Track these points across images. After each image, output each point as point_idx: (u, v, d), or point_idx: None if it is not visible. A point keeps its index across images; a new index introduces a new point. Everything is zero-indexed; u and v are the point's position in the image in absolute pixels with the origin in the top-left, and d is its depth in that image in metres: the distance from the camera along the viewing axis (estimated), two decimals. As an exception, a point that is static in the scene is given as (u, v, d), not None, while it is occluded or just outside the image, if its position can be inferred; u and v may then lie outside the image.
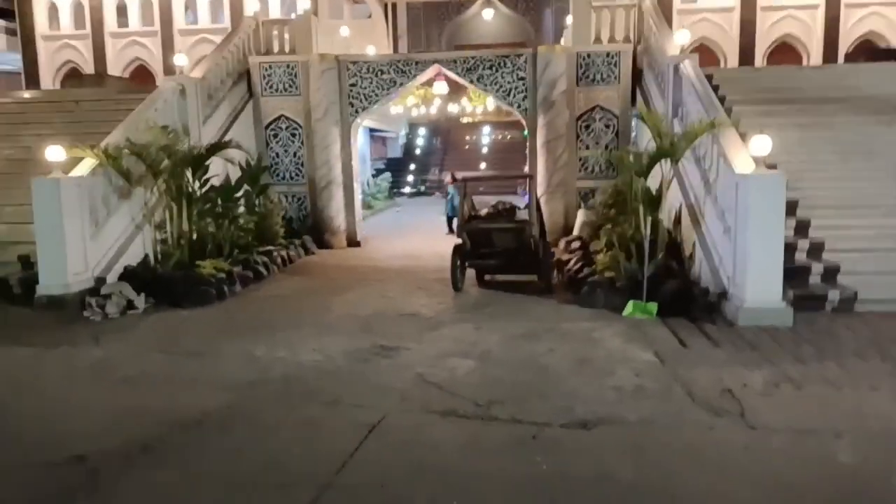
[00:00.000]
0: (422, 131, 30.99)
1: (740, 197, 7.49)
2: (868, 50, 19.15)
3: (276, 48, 14.24)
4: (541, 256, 9.35)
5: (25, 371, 6.44)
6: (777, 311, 7.25)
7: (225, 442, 4.78)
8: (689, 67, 10.22)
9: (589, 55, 13.00)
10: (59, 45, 26.01)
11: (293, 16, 14.57)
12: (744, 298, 7.34)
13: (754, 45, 23.43)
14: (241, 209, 11.87)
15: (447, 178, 18.45)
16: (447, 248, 13.55)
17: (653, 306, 7.96)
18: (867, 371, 5.89)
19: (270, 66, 13.59)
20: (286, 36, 14.18)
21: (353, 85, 13.52)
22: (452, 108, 25.15)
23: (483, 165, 29.02)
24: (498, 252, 9.41)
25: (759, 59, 23.09)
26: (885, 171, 9.46)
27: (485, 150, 30.82)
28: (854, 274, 8.00)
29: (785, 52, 24.01)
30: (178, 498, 4.03)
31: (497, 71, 13.24)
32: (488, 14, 28.38)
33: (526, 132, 14.07)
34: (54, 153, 8.69)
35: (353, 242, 14.11)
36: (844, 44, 23.07)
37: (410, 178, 27.86)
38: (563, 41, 18.35)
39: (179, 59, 12.15)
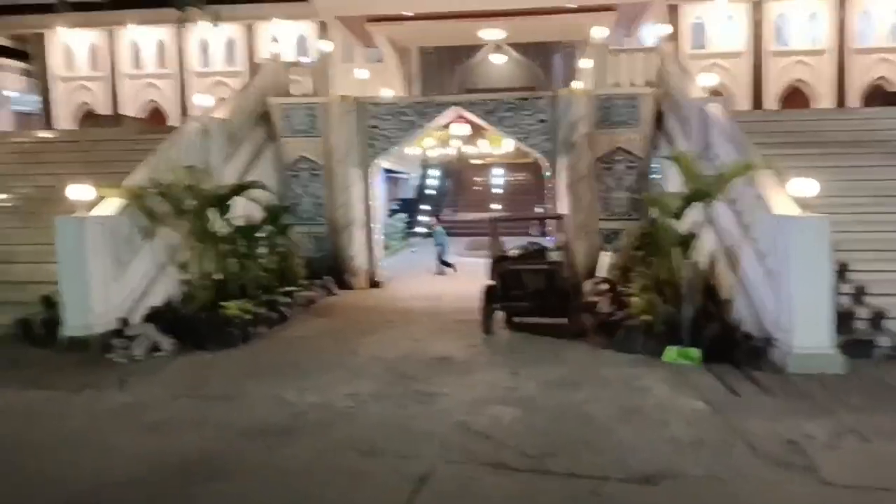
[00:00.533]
0: (434, 172, 31.01)
1: (783, 240, 7.31)
2: (883, 94, 19.28)
3: (295, 90, 14.27)
4: (573, 299, 9.14)
5: (49, 416, 6.19)
6: (827, 358, 7.00)
7: (262, 494, 4.52)
8: (716, 110, 10.16)
9: (609, 98, 12.99)
10: (75, 86, 26.39)
11: (304, 60, 14.65)
12: (792, 344, 7.09)
13: (762, 90, 23.68)
14: (262, 250, 11.72)
15: (433, 221, 18.60)
16: (468, 289, 13.43)
17: (695, 352, 7.71)
18: (933, 423, 5.63)
19: (291, 108, 13.60)
20: (305, 79, 14.22)
21: (373, 126, 13.51)
22: (467, 149, 25.20)
23: (496, 206, 28.95)
24: (529, 294, 9.20)
25: (772, 103, 23.26)
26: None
27: (498, 190, 30.81)
28: (900, 319, 7.79)
29: (795, 97, 24.24)
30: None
31: (517, 113, 13.23)
32: (498, 59, 28.69)
33: (548, 173, 14.01)
34: (78, 192, 8.58)
35: (373, 283, 13.91)
36: (853, 88, 23.29)
37: (424, 218, 27.75)
38: (575, 85, 18.47)
39: (202, 100, 12.15)
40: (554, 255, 9.77)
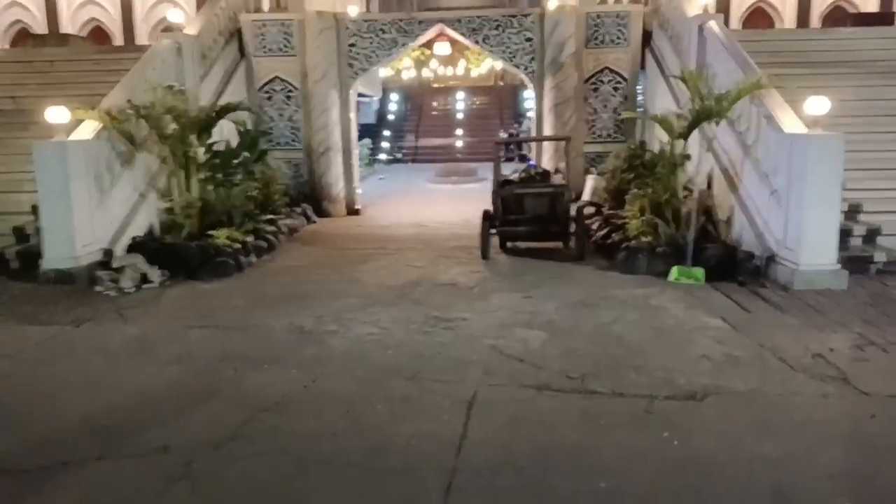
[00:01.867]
0: (394, 97, 30.22)
1: (795, 158, 7.33)
2: (846, 16, 19.36)
3: (266, 6, 13.40)
4: (576, 223, 9.08)
5: (58, 352, 5.86)
6: (832, 275, 7.17)
7: (318, 424, 4.39)
8: (716, 27, 9.99)
9: (598, 16, 12.64)
10: (6, 2, 24.31)
11: None
12: (798, 262, 7.23)
13: (729, 11, 23.56)
14: (240, 175, 11.21)
15: None
16: (449, 216, 13.35)
17: (699, 271, 7.80)
18: (946, 333, 5.84)
19: (264, 25, 12.79)
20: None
21: (352, 45, 12.87)
22: (435, 72, 24.49)
23: (459, 131, 28.56)
24: (530, 218, 9.10)
25: (735, 24, 23.21)
26: (912, 133, 9.48)
27: (459, 115, 30.31)
28: (894, 236, 8.00)
29: (758, 17, 24.26)
30: (289, 489, 3.64)
31: (504, 31, 12.78)
32: (461, -25, 27.62)
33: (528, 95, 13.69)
34: (56, 115, 7.93)
35: (351, 210, 13.59)
36: (816, 10, 23.44)
37: (386, 144, 27.17)
38: (552, 4, 17.92)
39: (174, 15, 11.28)
40: (557, 179, 9.65)
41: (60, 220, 7.78)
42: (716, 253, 8.04)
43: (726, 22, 22.32)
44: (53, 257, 7.86)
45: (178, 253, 8.53)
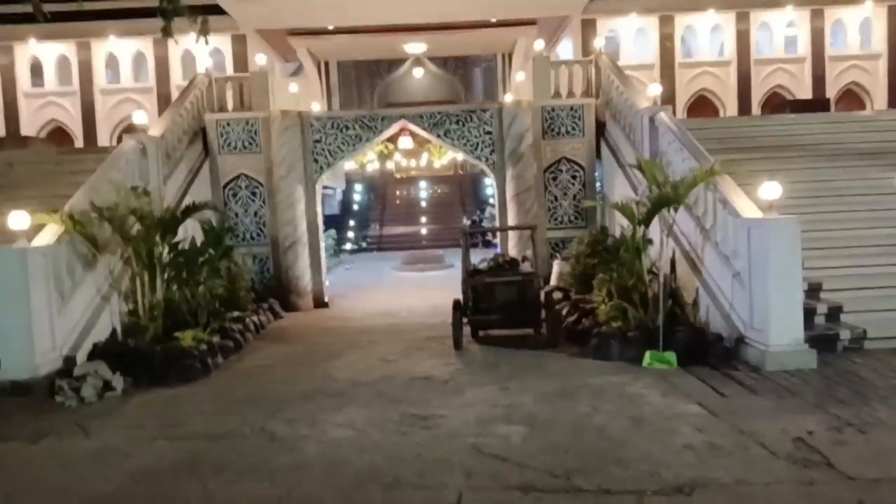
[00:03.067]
0: (358, 187, 30.67)
1: (754, 242, 7.58)
2: (785, 103, 20.58)
3: (230, 105, 13.67)
4: (546, 310, 9.14)
5: (13, 472, 5.51)
6: (801, 354, 7.30)
7: (298, 542, 4.18)
8: (666, 119, 10.49)
9: (553, 109, 13.22)
10: (-35, 105, 24.22)
11: (205, 72, 14.04)
12: (768, 343, 7.35)
13: (674, 100, 24.82)
14: (205, 273, 11.07)
15: None
16: (419, 305, 13.32)
17: (671, 356, 7.86)
18: (918, 410, 5.93)
19: (228, 124, 13.01)
20: (242, 92, 13.65)
21: (317, 141, 13.13)
22: (397, 163, 25.02)
23: (423, 219, 28.95)
24: (501, 306, 9.13)
25: (681, 111, 24.42)
26: (859, 212, 9.94)
27: (423, 204, 30.81)
28: (855, 313, 8.23)
29: (702, 105, 25.58)
30: None
31: (464, 126, 13.22)
32: (418, 73, 28.76)
33: (490, 184, 14.03)
34: (17, 221, 7.79)
35: (320, 303, 13.47)
36: (755, 97, 24.84)
37: (351, 234, 27.32)
38: (508, 97, 18.72)
39: (139, 117, 11.38)
40: (525, 266, 9.77)
41: (18, 329, 7.50)
42: (686, 336, 8.13)
43: (673, 110, 23.61)
44: (10, 368, 7.53)
45: (142, 357, 8.26)
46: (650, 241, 9.19)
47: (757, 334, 7.55)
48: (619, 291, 9.20)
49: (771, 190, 7.65)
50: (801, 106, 17.55)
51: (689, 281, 9.20)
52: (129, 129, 12.52)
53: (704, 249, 8.90)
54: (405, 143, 15.13)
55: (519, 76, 15.75)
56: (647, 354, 7.95)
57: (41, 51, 23.62)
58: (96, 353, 8.33)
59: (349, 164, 23.68)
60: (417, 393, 7.24)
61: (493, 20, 21.01)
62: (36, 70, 24.11)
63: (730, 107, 24.79)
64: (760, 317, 7.50)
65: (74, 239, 8.52)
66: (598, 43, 14.57)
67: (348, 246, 26.38)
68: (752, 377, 7.15)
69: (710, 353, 7.93)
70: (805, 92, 22.99)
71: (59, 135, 24.10)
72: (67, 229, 8.34)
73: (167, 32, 5.59)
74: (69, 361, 7.98)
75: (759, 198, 7.88)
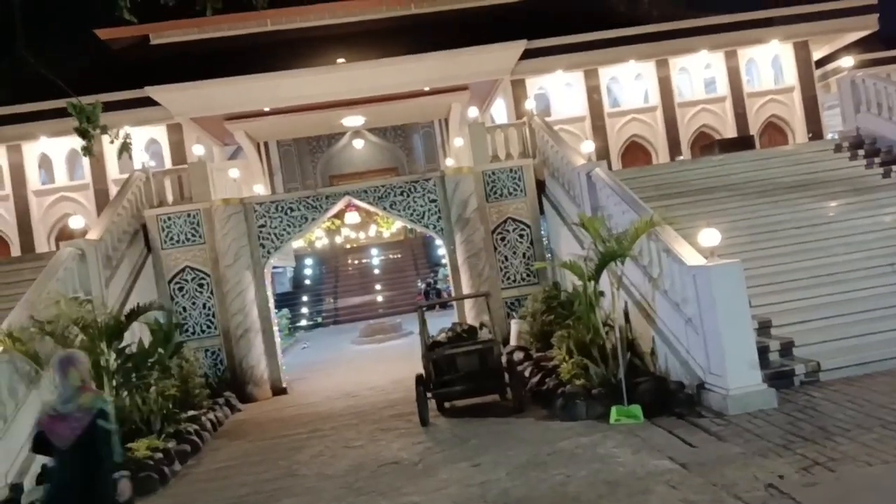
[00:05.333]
0: (308, 262, 30.39)
1: (701, 288, 7.76)
2: (713, 143, 21.48)
3: (170, 199, 13.52)
4: (509, 374, 9.11)
5: None
6: (761, 394, 7.40)
7: None
8: (603, 174, 10.81)
9: (494, 173, 13.50)
10: None
11: (142, 167, 14.01)
12: (727, 387, 7.44)
13: (607, 148, 25.63)
14: (155, 374, 10.69)
15: None
16: (380, 380, 13.10)
17: (637, 409, 7.89)
18: (879, 441, 6.04)
19: (169, 218, 12.84)
20: (180, 185, 13.54)
21: (262, 226, 13.04)
22: (346, 235, 24.98)
23: (377, 287, 28.78)
24: (464, 376, 9.06)
25: (615, 159, 25.20)
26: (795, 245, 10.32)
27: (376, 271, 30.68)
28: (807, 346, 8.44)
29: (635, 149, 26.49)
30: None
31: (409, 196, 13.35)
32: (358, 144, 29.14)
33: (442, 249, 14.09)
34: (-50, 345, 7.43)
35: (278, 391, 13.10)
36: (683, 139, 25.84)
37: (305, 310, 26.94)
38: (448, 161, 19.06)
39: (75, 222, 11.13)
40: (484, 333, 9.76)
41: (-43, 462, 7.06)
42: (648, 387, 8.20)
43: (607, 158, 24.40)
44: (-51, 506, 7.04)
45: (94, 475, 7.83)
46: (602, 294, 9.32)
47: (716, 379, 7.65)
48: (578, 347, 9.26)
49: (709, 237, 7.88)
50: (727, 145, 18.34)
51: (645, 330, 9.32)
52: (66, 234, 12.24)
53: (655, 298, 9.06)
54: (352, 218, 15.17)
55: (457, 141, 16.09)
56: (614, 410, 7.96)
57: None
58: (46, 476, 7.85)
59: (298, 243, 23.59)
60: (388, 480, 7.05)
61: (427, 89, 21.52)
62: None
63: (661, 150, 25.66)
64: (717, 361, 7.61)
65: (15, 358, 8.16)
66: (529, 104, 15.07)
67: (303, 323, 25.98)
68: (717, 423, 7.20)
69: (674, 401, 7.99)
70: (730, 129, 24.05)
71: (-9, 241, 23.34)
72: (7, 348, 7.99)
73: (88, 151, 5.52)
74: (16, 489, 7.51)
75: (700, 245, 8.10)
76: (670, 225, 8.90)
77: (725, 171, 13.69)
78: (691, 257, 8.11)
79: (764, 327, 8.77)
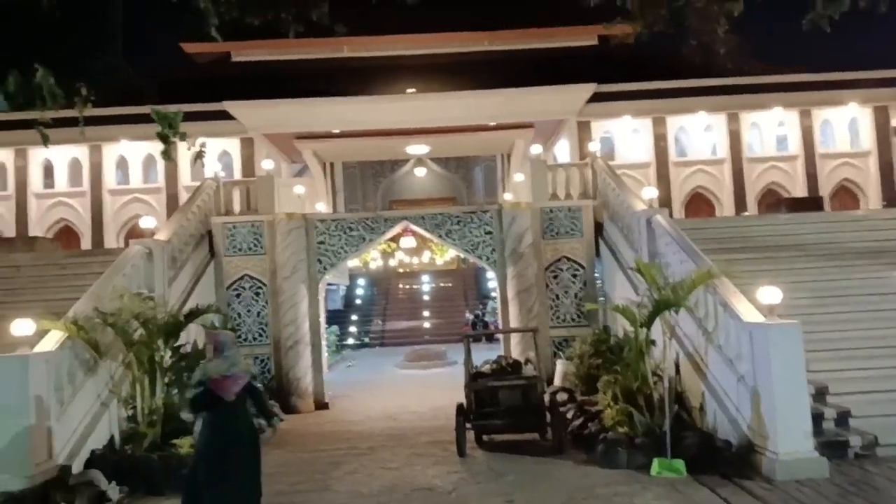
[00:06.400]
0: (361, 282, 30.84)
1: (756, 347, 7.57)
2: (780, 201, 20.99)
3: (237, 208, 14.01)
4: (551, 414, 9.02)
5: None
6: (812, 463, 7.13)
7: None
8: (663, 221, 10.71)
9: (552, 210, 13.53)
10: (-26, 206, 24.69)
11: (213, 176, 14.55)
12: (776, 451, 7.19)
13: (670, 198, 25.28)
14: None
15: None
16: (421, 406, 13.11)
17: (680, 464, 7.69)
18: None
19: (234, 226, 13.31)
20: (248, 196, 14.04)
21: (321, 242, 13.38)
22: (401, 259, 25.34)
23: (426, 313, 28.93)
24: (505, 411, 9.01)
25: (678, 209, 24.85)
26: (861, 313, 9.96)
27: (425, 297, 30.87)
28: (865, 418, 8.10)
29: (699, 201, 26.06)
30: None
31: (465, 226, 13.50)
32: (420, 172, 29.61)
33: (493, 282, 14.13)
34: (21, 328, 7.82)
35: (320, 405, 13.28)
36: (749, 194, 25.29)
37: (353, 329, 27.27)
38: (506, 196, 19.18)
39: (146, 222, 11.65)
40: (529, 369, 9.71)
41: (15, 438, 7.37)
42: (694, 442, 7.98)
43: (669, 208, 24.08)
44: (5, 478, 7.34)
45: (138, 466, 8.11)
46: (653, 343, 9.17)
47: (766, 441, 7.41)
48: (624, 394, 9.09)
49: (770, 294, 7.70)
50: (795, 204, 17.91)
51: (695, 384, 9.12)
52: (136, 233, 12.80)
53: (708, 352, 8.87)
54: (408, 242, 15.38)
55: (517, 177, 16.21)
56: (656, 462, 7.78)
57: (54, 153, 24.32)
58: (93, 461, 8.16)
59: (352, 262, 23.99)
60: (420, 506, 7.04)
61: (492, 124, 21.81)
62: (48, 171, 24.79)
63: (726, 204, 25.17)
64: (768, 423, 7.37)
65: (77, 345, 8.54)
66: (594, 146, 15.08)
67: (350, 341, 26.26)
68: (763, 487, 6.97)
69: (719, 460, 7.76)
70: (799, 189, 23.50)
71: (66, 234, 24.48)
72: (71, 335, 8.36)
73: (168, 156, 5.85)
74: (65, 471, 7.79)
75: (758, 300, 7.92)
76: (730, 279, 8.75)
77: (792, 231, 13.36)
78: (749, 313, 7.94)
79: (820, 394, 8.45)
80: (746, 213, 22.12)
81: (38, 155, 24.39)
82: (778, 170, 25.13)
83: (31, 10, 6.50)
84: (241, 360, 6.39)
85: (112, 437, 8.81)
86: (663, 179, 25.07)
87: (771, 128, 24.50)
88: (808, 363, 8.66)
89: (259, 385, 6.14)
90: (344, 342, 25.14)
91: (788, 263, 11.58)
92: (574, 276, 13.46)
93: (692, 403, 9.12)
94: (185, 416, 7.46)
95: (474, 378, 9.37)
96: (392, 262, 26.75)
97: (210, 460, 5.80)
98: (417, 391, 15.26)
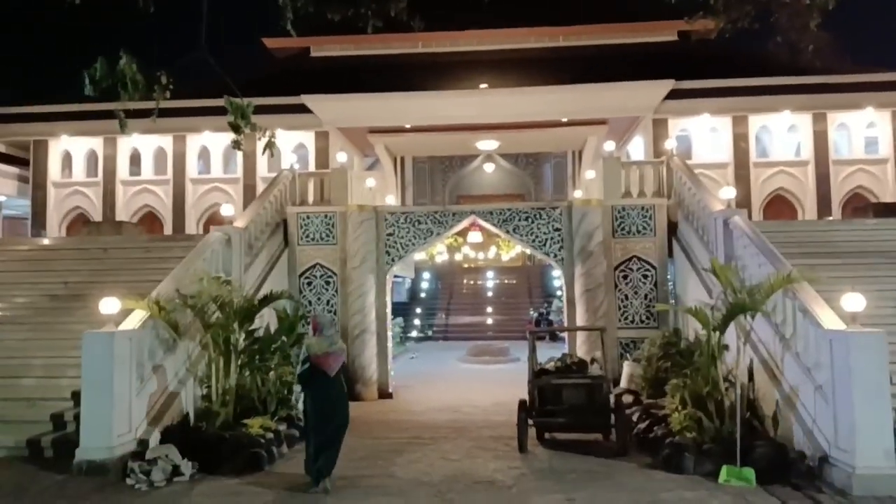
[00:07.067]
0: (426, 275, 31.11)
1: (837, 355, 7.24)
2: (868, 206, 19.92)
3: (311, 199, 14.38)
4: (616, 415, 8.88)
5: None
6: (893, 480, 6.77)
7: None
8: (741, 222, 10.36)
9: (624, 208, 13.29)
10: (69, 191, 26.16)
11: (289, 168, 14.93)
12: (854, 465, 6.87)
13: (750, 199, 24.34)
14: (276, 359, 11.33)
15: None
16: (483, 400, 13.14)
17: (750, 472, 7.44)
18: None
19: (308, 217, 13.67)
20: (322, 187, 14.39)
21: (390, 234, 13.58)
22: (469, 254, 25.44)
23: (489, 309, 28.94)
24: (568, 409, 8.92)
25: (756, 212, 23.90)
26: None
27: (489, 294, 30.87)
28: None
29: (779, 203, 25.00)
30: None
31: (533, 222, 13.42)
32: (489, 167, 29.54)
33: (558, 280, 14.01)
34: (108, 306, 8.27)
35: (384, 394, 13.50)
36: (834, 198, 24.07)
37: (417, 321, 27.56)
38: (577, 193, 18.92)
39: (226, 210, 12.11)
40: (594, 369, 9.60)
41: (100, 410, 7.85)
42: (765, 452, 7.71)
43: (748, 209, 23.21)
44: (89, 447, 7.82)
45: (210, 444, 8.42)
46: (726, 348, 8.89)
47: (842, 454, 7.08)
48: (693, 399, 8.86)
49: (853, 301, 7.35)
50: (885, 209, 16.95)
51: (769, 392, 8.79)
52: (215, 220, 13.29)
53: (784, 359, 8.54)
54: (474, 237, 15.42)
55: (589, 174, 15.95)
56: (724, 470, 7.55)
57: (140, 142, 25.52)
58: (169, 436, 8.54)
59: (419, 255, 24.22)
60: (481, 498, 7.09)
61: (565, 120, 21.56)
62: (134, 160, 26.02)
63: (808, 207, 24.09)
64: (846, 436, 7.05)
65: (158, 325, 8.96)
66: (670, 144, 14.71)
67: (414, 334, 26.54)
68: (838, 502, 6.67)
69: (792, 471, 7.48)
70: (889, 194, 22.27)
71: (149, 219, 25.67)
72: (153, 315, 8.79)
73: (238, 144, 6.08)
74: (143, 444, 8.23)
75: (841, 307, 7.57)
76: (811, 284, 8.38)
77: (880, 237, 12.70)
78: (830, 321, 7.60)
79: (904, 408, 8.01)
80: (830, 218, 21.10)
81: (126, 144, 25.64)
82: (866, 173, 23.88)
83: (127, 7, 6.85)
84: (339, 339, 7.62)
85: (187, 415, 9.21)
86: (742, 180, 24.18)
87: (860, 129, 23.29)
88: (892, 375, 8.28)
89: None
90: (408, 335, 25.42)
91: (873, 270, 11.02)
92: (645, 276, 13.19)
93: (765, 412, 8.79)
94: (296, 388, 9.28)
95: (538, 374, 9.32)
96: (458, 257, 26.83)
97: (317, 422, 7.30)
98: (479, 385, 15.30)
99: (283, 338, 11.46)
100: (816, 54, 7.61)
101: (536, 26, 26.00)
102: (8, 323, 11.30)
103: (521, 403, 9.21)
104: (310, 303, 13.49)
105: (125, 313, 8.72)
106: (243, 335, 9.89)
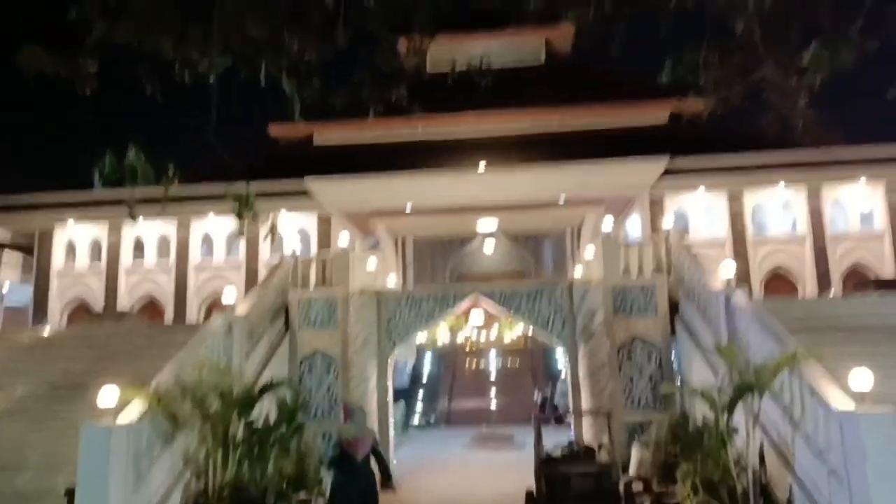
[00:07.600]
0: (428, 357, 30.75)
1: (848, 436, 7.09)
2: (868, 282, 19.90)
3: (312, 282, 14.42)
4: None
5: None
6: (916, 567, 6.50)
7: None
8: (743, 301, 10.35)
9: (624, 287, 13.29)
10: (71, 280, 26.23)
11: (291, 254, 15.07)
12: (878, 554, 6.61)
13: (749, 276, 24.28)
14: (275, 451, 11.06)
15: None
16: (488, 490, 12.74)
17: (768, 563, 7.15)
18: None
19: (309, 301, 13.67)
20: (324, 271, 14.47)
21: (391, 318, 13.54)
22: (467, 335, 25.22)
23: (492, 392, 28.45)
24: (576, 498, 8.66)
25: (756, 288, 23.80)
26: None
27: (492, 376, 30.42)
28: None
29: (778, 281, 24.91)
30: None
31: (535, 302, 13.41)
32: (489, 247, 29.74)
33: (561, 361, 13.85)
34: (107, 397, 8.15)
35: (384, 484, 13.04)
36: (833, 273, 23.99)
37: (419, 406, 27.03)
38: (577, 269, 18.99)
39: (227, 296, 12.12)
40: (602, 455, 9.37)
41: (94, 506, 7.60)
42: (783, 540, 7.43)
43: (749, 288, 23.17)
44: (82, 548, 7.54)
45: (207, 541, 8.13)
46: (736, 431, 8.71)
47: (865, 543, 6.82)
48: (705, 486, 8.62)
49: (862, 379, 7.25)
50: (886, 285, 16.96)
51: (782, 476, 8.54)
52: (217, 304, 13.30)
53: (795, 441, 8.34)
54: (476, 317, 15.38)
55: (588, 252, 16.05)
56: (741, 560, 7.26)
57: (144, 229, 25.79)
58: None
59: (421, 338, 24.06)
60: None
61: (562, 201, 21.86)
62: (138, 246, 26.21)
63: (808, 283, 23.97)
64: (867, 524, 6.81)
65: (157, 416, 8.80)
66: (667, 221, 14.86)
67: (416, 421, 26.01)
68: None
69: (813, 561, 7.18)
70: (888, 269, 22.33)
71: (150, 308, 25.59)
72: (151, 406, 8.64)
73: (241, 231, 6.18)
74: (139, 544, 7.93)
75: (848, 385, 7.46)
76: (817, 361, 8.29)
77: (883, 312, 12.64)
78: (839, 401, 7.47)
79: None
80: (831, 295, 21.08)
81: (130, 231, 25.91)
82: (864, 248, 23.98)
83: (136, 93, 7.07)
84: (366, 425, 8.27)
85: (185, 510, 8.92)
86: (741, 257, 24.21)
87: (854, 203, 23.60)
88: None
89: (379, 447, 8.10)
90: (409, 422, 24.90)
91: (878, 346, 10.88)
92: (649, 355, 13.05)
93: (778, 497, 8.52)
94: (324, 471, 9.75)
95: (545, 462, 9.09)
96: (460, 339, 26.59)
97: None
98: (484, 473, 14.86)
99: (283, 428, 11.26)
100: (807, 131, 7.82)
101: (532, 108, 26.81)
102: (5, 416, 11.12)
103: (529, 495, 8.96)
104: (310, 390, 13.29)
105: (125, 402, 8.58)
106: (242, 425, 9.70)
